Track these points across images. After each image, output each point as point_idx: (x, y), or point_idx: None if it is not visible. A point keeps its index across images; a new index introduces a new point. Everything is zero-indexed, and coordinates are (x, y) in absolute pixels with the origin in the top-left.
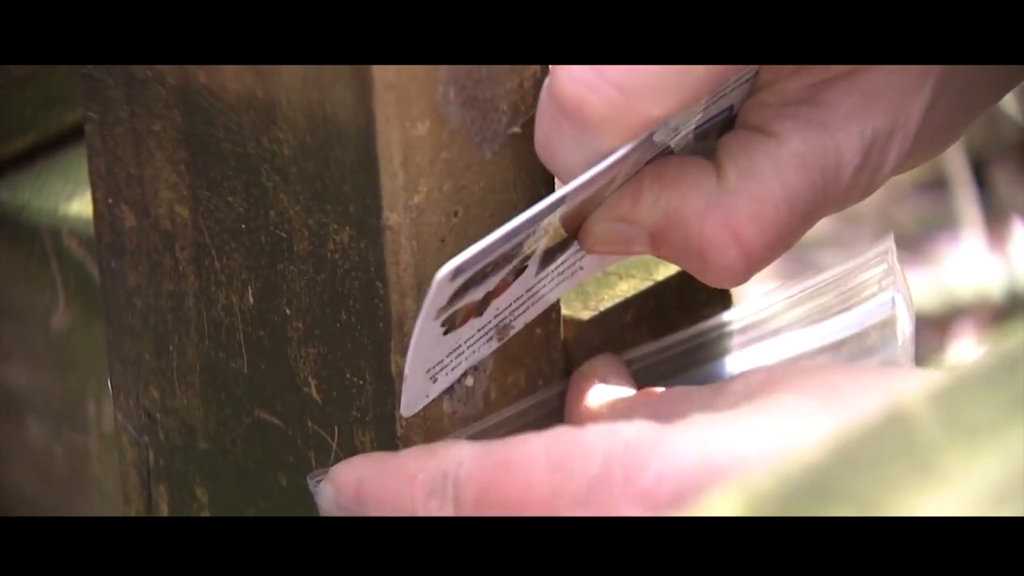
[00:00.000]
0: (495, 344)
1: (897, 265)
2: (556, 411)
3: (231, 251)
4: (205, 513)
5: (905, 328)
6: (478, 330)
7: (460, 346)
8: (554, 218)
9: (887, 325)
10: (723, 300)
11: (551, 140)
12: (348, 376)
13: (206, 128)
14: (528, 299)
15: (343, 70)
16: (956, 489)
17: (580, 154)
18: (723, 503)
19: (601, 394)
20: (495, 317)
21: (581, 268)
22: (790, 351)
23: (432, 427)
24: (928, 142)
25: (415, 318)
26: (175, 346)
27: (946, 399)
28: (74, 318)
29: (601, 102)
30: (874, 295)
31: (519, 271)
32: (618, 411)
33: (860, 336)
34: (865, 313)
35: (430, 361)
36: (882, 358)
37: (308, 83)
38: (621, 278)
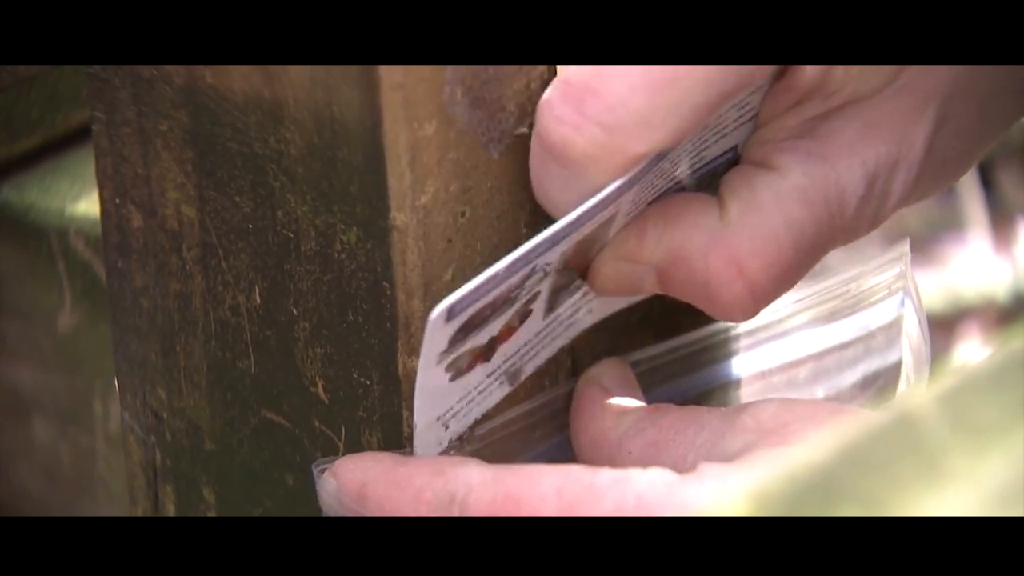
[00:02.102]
0: (506, 389)
1: (910, 271)
2: (561, 412)
3: (238, 251)
4: (212, 513)
5: (912, 332)
6: (487, 375)
7: (470, 392)
8: (553, 258)
9: (893, 327)
10: None
11: (542, 180)
12: (355, 376)
13: (213, 128)
14: (537, 344)
15: (350, 70)
16: (963, 489)
17: (570, 193)
18: (731, 504)
19: (608, 404)
20: (504, 362)
21: (590, 312)
22: (797, 353)
23: None
24: (935, 171)
25: (422, 318)
26: (182, 346)
27: (952, 400)
28: (81, 318)
29: (585, 142)
30: (883, 299)
31: (524, 315)
32: (625, 428)
33: (867, 338)
34: (873, 315)
35: (440, 408)
36: (886, 360)
37: (315, 83)
38: None
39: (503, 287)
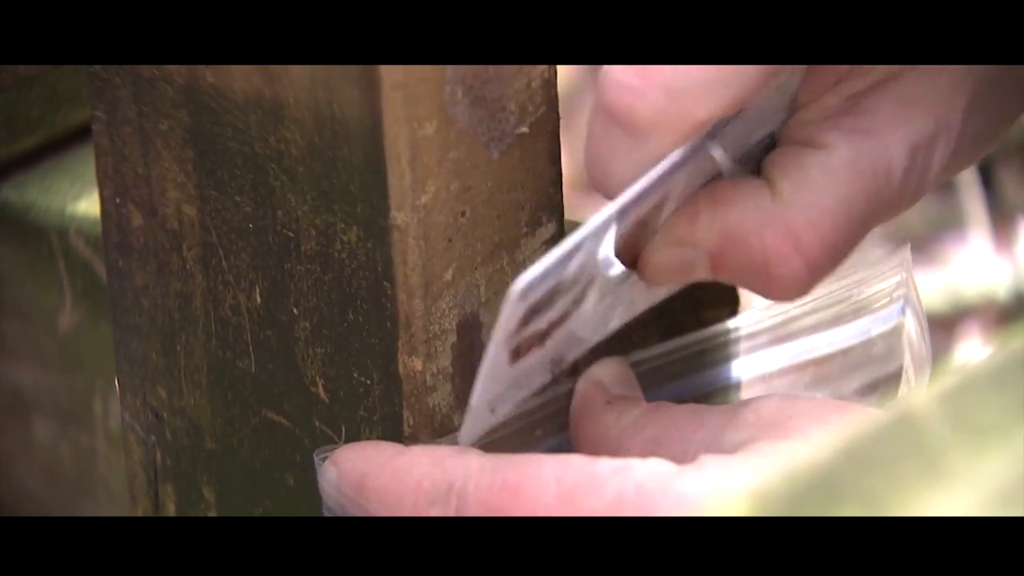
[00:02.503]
0: (548, 377)
1: (912, 278)
2: (562, 412)
3: (238, 251)
4: (212, 513)
5: (912, 339)
6: (538, 361)
7: (519, 377)
8: (610, 242)
9: (894, 334)
10: (731, 302)
11: (603, 152)
12: (355, 376)
13: (213, 128)
14: (583, 332)
15: (351, 70)
16: (964, 489)
17: (633, 163)
18: (732, 503)
19: (608, 403)
20: (553, 348)
21: (633, 303)
22: (797, 357)
23: (441, 426)
24: (972, 144)
25: (423, 318)
26: (182, 346)
27: (953, 399)
28: (81, 318)
29: (650, 107)
30: (885, 305)
31: (579, 301)
32: (625, 426)
33: (867, 344)
34: (874, 321)
35: (492, 391)
36: (886, 368)
37: (315, 83)
38: None
39: (569, 269)
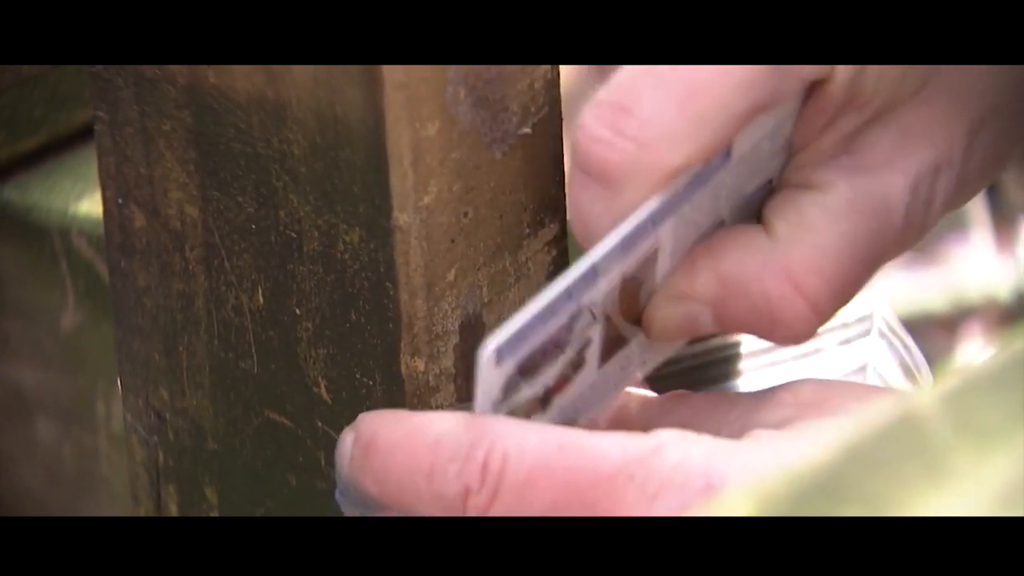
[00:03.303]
0: None
1: (885, 314)
2: None
3: (241, 251)
4: (214, 513)
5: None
6: None
7: None
8: (599, 296)
9: (859, 374)
10: None
11: (582, 205)
12: (358, 376)
13: (216, 128)
14: (591, 396)
15: (353, 70)
16: (966, 490)
17: (611, 214)
18: (735, 504)
19: (629, 393)
20: (559, 413)
21: (644, 362)
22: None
23: None
24: (977, 173)
25: (425, 319)
26: (185, 346)
27: (956, 400)
28: (83, 318)
29: (620, 157)
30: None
31: (578, 365)
32: (651, 410)
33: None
34: (845, 358)
35: None
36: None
37: (318, 83)
38: None
39: (551, 328)
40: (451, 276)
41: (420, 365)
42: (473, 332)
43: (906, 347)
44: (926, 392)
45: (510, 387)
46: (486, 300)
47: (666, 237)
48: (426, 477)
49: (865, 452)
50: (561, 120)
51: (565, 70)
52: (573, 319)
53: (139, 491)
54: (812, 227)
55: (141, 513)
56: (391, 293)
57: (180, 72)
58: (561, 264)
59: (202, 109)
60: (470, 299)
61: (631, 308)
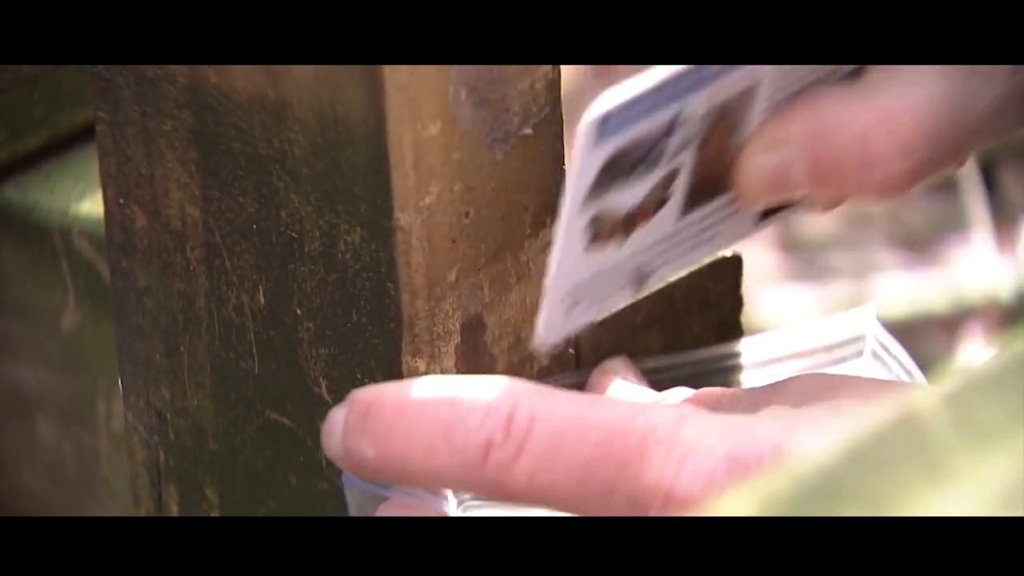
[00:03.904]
0: (628, 295)
1: (876, 331)
2: None
3: (242, 251)
4: (215, 513)
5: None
6: (618, 265)
7: (599, 276)
8: (700, 106)
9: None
10: (733, 302)
11: None
12: (359, 377)
13: (217, 128)
14: (668, 248)
15: (354, 71)
16: (967, 491)
17: None
18: (736, 503)
19: (627, 391)
20: (633, 256)
21: (719, 233)
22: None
23: None
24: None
25: (427, 319)
26: (186, 346)
27: (957, 401)
28: (84, 318)
29: None
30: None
31: (661, 202)
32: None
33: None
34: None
35: (571, 278)
36: None
37: (319, 83)
38: None
39: (655, 122)
40: (452, 276)
41: (421, 365)
42: (474, 332)
43: (902, 367)
44: (927, 392)
45: (605, 179)
46: (487, 300)
47: (764, 79)
48: (442, 430)
49: (866, 452)
50: (562, 120)
51: (566, 70)
52: (674, 122)
53: (140, 491)
54: (908, 75)
55: (142, 513)
56: (392, 293)
57: (181, 72)
58: None
59: (203, 109)
60: (471, 299)
61: (721, 153)
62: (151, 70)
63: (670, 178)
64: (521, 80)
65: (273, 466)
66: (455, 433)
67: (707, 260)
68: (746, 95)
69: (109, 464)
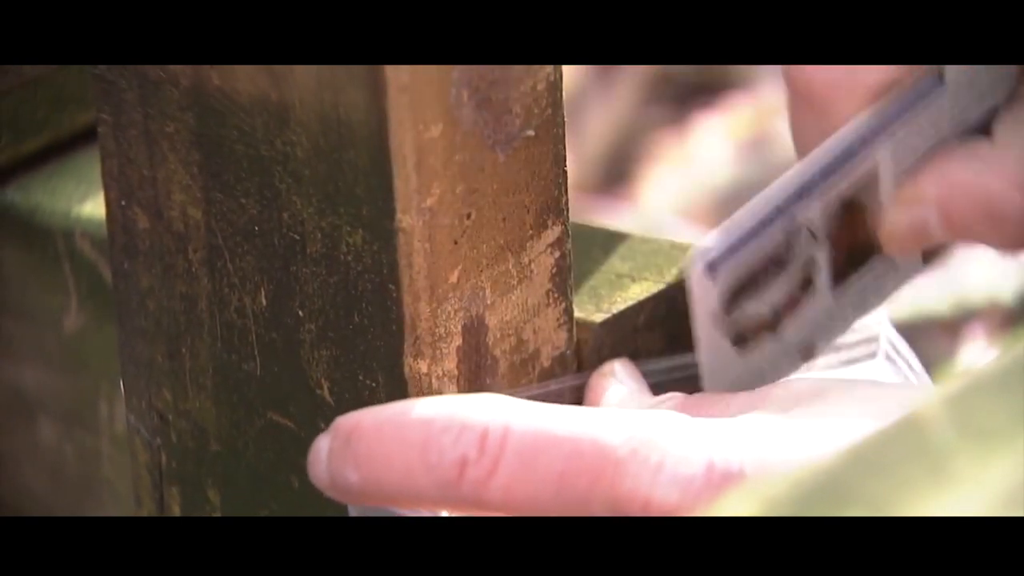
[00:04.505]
0: (798, 364)
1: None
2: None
3: (244, 253)
4: (217, 515)
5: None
6: (779, 350)
7: (761, 366)
8: (815, 214)
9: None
10: None
11: (797, 128)
12: (361, 379)
13: (219, 130)
14: (828, 321)
15: (356, 72)
16: (969, 493)
17: (820, 135)
18: (737, 505)
19: (623, 394)
20: (794, 335)
21: (882, 285)
22: None
23: None
24: None
25: (429, 321)
26: (188, 348)
27: (959, 403)
28: (86, 320)
29: (824, 75)
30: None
31: (805, 285)
32: (645, 408)
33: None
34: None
35: (727, 379)
36: None
37: (321, 85)
38: (634, 280)
39: (767, 243)
40: (454, 278)
41: (423, 367)
42: (476, 334)
43: (912, 369)
44: (929, 395)
45: (730, 304)
46: (489, 302)
47: (885, 161)
48: (418, 450)
49: (868, 455)
50: (564, 122)
51: (568, 71)
52: (790, 236)
53: (142, 493)
54: None
55: (144, 515)
56: (394, 295)
57: (184, 74)
58: (564, 266)
59: (206, 111)
60: (473, 301)
61: (859, 234)
62: (154, 72)
63: (808, 266)
64: (523, 81)
65: (275, 468)
66: (430, 452)
67: (879, 310)
68: (867, 184)
69: (111, 466)
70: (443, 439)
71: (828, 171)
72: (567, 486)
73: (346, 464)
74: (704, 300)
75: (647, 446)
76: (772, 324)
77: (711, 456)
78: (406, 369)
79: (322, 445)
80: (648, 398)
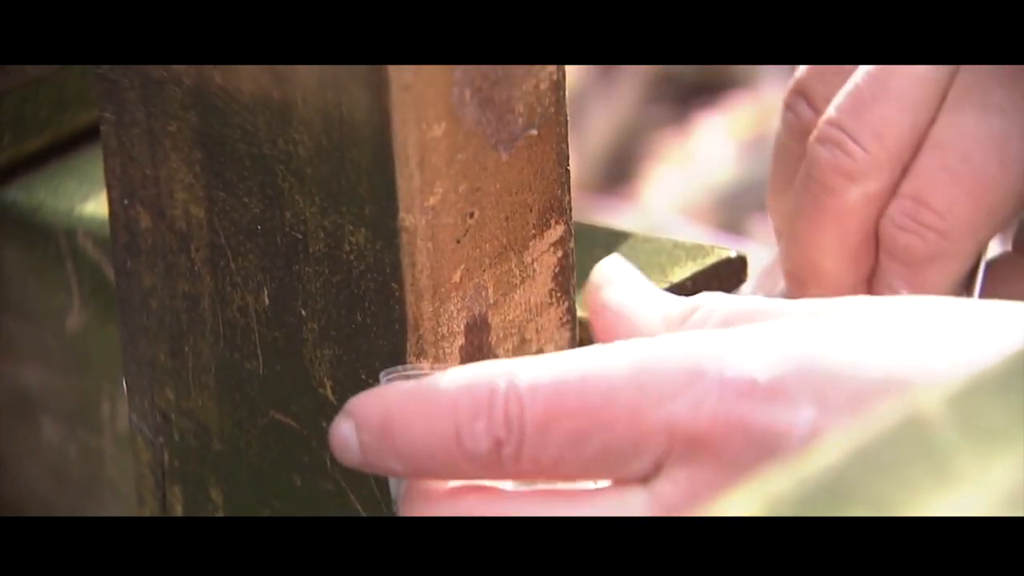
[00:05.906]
0: None
1: None
2: None
3: (246, 252)
4: (220, 514)
5: None
6: None
7: None
8: None
9: None
10: (738, 284)
11: (889, 282)
12: (363, 377)
13: (222, 129)
14: None
15: (359, 71)
16: (972, 492)
17: (912, 291)
18: (740, 504)
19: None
20: None
21: None
22: None
23: None
24: None
25: (431, 320)
26: (190, 347)
27: (962, 402)
28: (89, 319)
29: (925, 246)
30: None
31: None
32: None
33: None
34: None
35: None
36: None
37: (324, 84)
38: None
39: None
40: (457, 277)
41: (426, 366)
42: (479, 333)
43: None
44: (932, 394)
45: None
46: (492, 301)
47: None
48: (455, 441)
49: (871, 454)
50: (567, 121)
51: (570, 71)
52: None
53: (144, 492)
54: None
55: (146, 514)
56: (397, 294)
57: (186, 73)
58: (566, 265)
59: (208, 110)
60: (476, 300)
61: None
62: (156, 71)
63: None
64: (526, 81)
65: (278, 467)
66: (467, 442)
67: None
68: None
69: (113, 465)
70: (475, 428)
71: None
72: (587, 442)
73: (389, 458)
74: None
75: (654, 376)
76: None
77: (721, 366)
78: None
79: (347, 432)
80: (669, 300)
